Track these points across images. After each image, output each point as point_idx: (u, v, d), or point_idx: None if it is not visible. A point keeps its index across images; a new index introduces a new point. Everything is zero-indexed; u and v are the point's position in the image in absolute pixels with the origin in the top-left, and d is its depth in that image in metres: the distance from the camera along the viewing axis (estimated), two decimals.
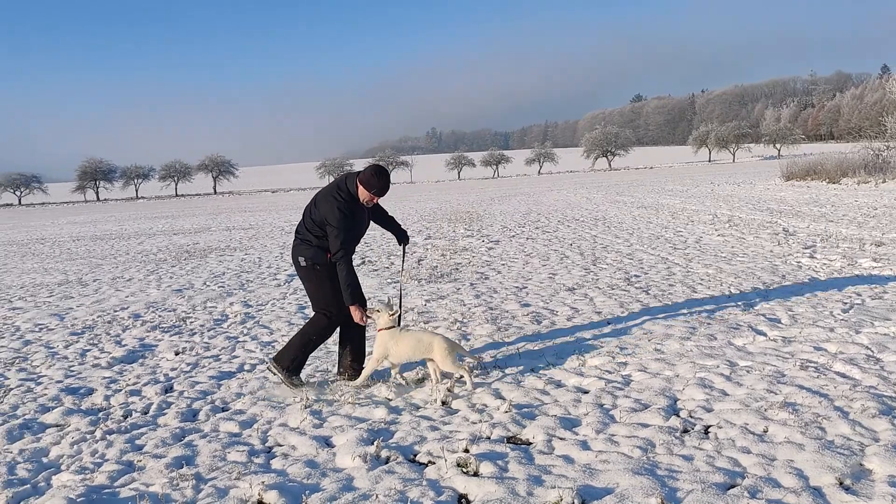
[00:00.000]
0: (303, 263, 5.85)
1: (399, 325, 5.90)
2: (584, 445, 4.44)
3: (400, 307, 6.30)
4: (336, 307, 5.82)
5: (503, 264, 12.56)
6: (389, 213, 6.38)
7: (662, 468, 4.03)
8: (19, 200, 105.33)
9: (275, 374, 5.87)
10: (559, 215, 23.01)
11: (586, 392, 5.48)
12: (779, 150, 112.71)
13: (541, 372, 6.02)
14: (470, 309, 8.74)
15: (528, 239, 16.51)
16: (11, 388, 6.36)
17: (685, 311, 7.94)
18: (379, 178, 5.68)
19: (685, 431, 4.56)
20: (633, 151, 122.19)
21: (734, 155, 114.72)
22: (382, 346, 5.72)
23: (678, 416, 4.81)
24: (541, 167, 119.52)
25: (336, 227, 5.59)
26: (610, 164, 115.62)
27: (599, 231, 17.18)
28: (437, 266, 12.73)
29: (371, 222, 6.24)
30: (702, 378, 5.55)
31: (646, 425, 4.68)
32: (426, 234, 19.08)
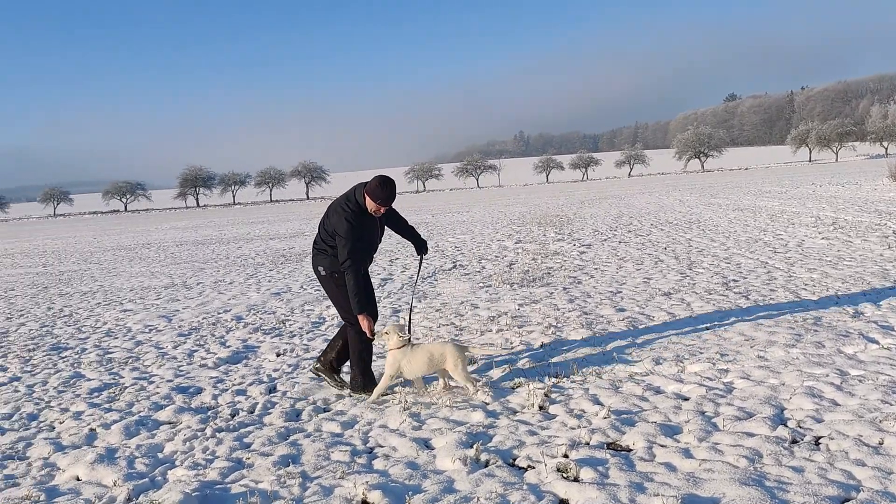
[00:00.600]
0: (322, 273, 5.99)
1: (409, 342, 5.87)
2: (687, 453, 4.36)
3: (409, 322, 6.45)
4: None
5: (596, 268, 12.43)
6: (410, 223, 6.31)
7: (771, 479, 3.92)
8: (125, 207, 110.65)
9: (360, 397, 5.98)
10: (651, 218, 22.58)
11: (686, 399, 5.37)
12: (886, 149, 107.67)
13: (638, 378, 5.94)
14: (564, 313, 8.69)
15: (620, 242, 16.28)
16: (126, 387, 6.70)
17: (789, 317, 7.68)
18: (384, 189, 5.70)
19: (794, 442, 4.42)
20: (726, 152, 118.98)
21: (837, 154, 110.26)
22: (395, 364, 5.75)
23: (786, 426, 4.66)
24: (631, 169, 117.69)
25: (344, 237, 5.67)
26: (703, 166, 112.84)
27: (694, 234, 16.79)
28: (528, 270, 12.71)
29: (398, 233, 6.32)
30: (810, 387, 5.36)
31: (751, 434, 4.55)
32: (516, 238, 19.06)
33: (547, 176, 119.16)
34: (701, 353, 6.51)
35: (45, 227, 62.95)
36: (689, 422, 4.86)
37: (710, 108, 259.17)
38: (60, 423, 5.75)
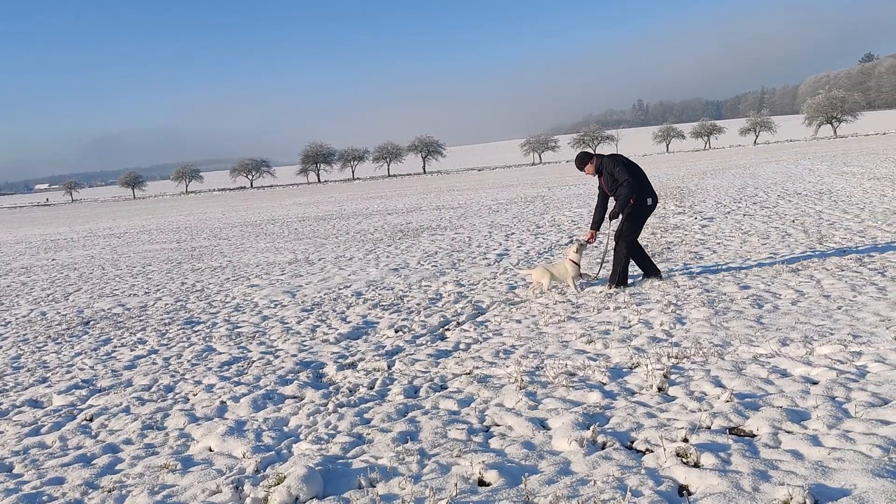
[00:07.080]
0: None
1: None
2: (815, 441, 4.17)
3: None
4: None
5: (718, 243, 12.03)
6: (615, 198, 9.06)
7: None
8: (251, 183, 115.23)
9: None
10: (779, 189, 21.60)
11: (815, 383, 5.14)
12: None
13: (763, 360, 5.73)
14: (684, 291, 8.46)
15: (744, 215, 15.67)
16: (254, 361, 7.02)
17: None
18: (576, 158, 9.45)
19: None
20: (862, 117, 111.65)
21: None
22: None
23: None
24: (757, 137, 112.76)
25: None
26: (835, 132, 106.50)
27: (825, 206, 15.95)
28: (647, 245, 12.42)
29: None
30: None
31: (887, 422, 4.30)
32: None
33: (667, 146, 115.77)
34: (831, 333, 6.20)
35: (178, 204, 66.51)
36: (817, 407, 4.64)
37: (843, 70, 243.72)
38: (194, 395, 6.10)
